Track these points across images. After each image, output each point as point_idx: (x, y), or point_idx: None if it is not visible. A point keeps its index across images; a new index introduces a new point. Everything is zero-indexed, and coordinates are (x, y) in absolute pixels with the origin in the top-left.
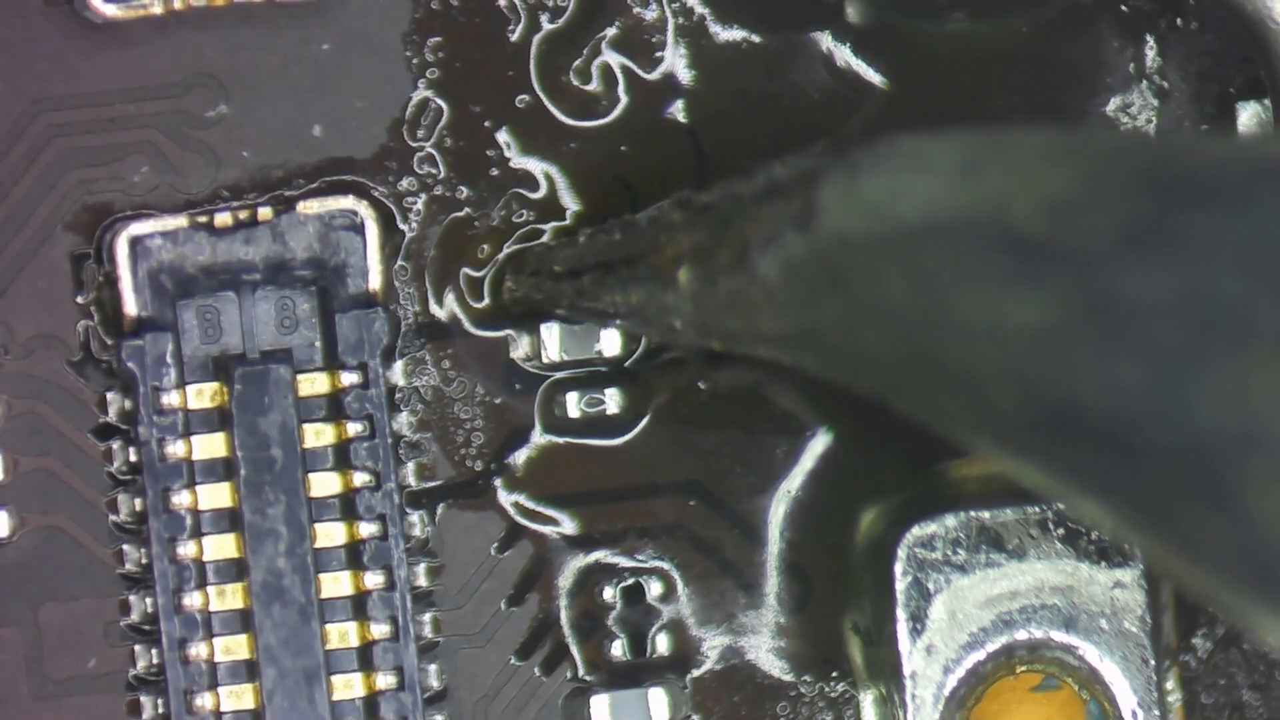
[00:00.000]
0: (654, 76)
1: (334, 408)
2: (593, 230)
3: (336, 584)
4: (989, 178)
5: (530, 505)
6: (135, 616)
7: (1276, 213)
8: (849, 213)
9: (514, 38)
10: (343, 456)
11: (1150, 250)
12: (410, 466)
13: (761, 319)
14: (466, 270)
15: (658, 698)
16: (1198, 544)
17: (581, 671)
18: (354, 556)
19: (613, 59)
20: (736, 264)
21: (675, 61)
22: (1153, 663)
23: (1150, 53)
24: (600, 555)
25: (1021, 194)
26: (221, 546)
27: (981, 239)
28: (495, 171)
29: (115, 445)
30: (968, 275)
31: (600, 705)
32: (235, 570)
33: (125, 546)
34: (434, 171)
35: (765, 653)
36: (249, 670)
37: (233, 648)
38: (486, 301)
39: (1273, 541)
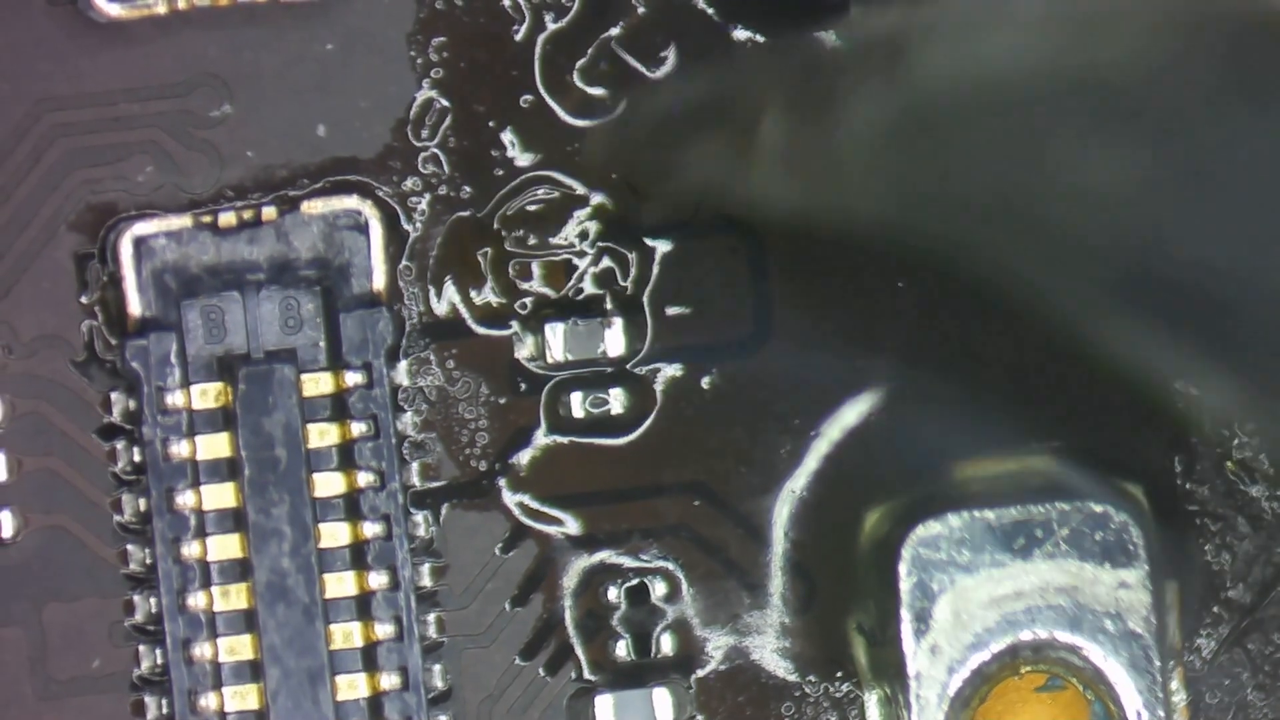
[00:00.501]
0: (658, 76)
1: (338, 408)
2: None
3: (341, 584)
4: (1081, 30)
5: (534, 505)
6: (139, 617)
7: None
8: (939, 61)
9: (518, 37)
10: (347, 456)
11: (1236, 109)
12: (414, 466)
13: (848, 165)
14: (470, 270)
15: (662, 698)
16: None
17: (586, 672)
18: (358, 557)
19: (617, 58)
20: (823, 109)
21: (679, 61)
22: (1157, 663)
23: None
24: (604, 555)
25: (1110, 51)
26: (225, 546)
27: (1076, 93)
28: (499, 171)
29: (119, 445)
30: (1062, 123)
31: (605, 705)
32: (239, 570)
33: (129, 546)
34: (438, 171)
35: (770, 653)
36: (253, 670)
37: (237, 648)
38: (495, 299)
39: None
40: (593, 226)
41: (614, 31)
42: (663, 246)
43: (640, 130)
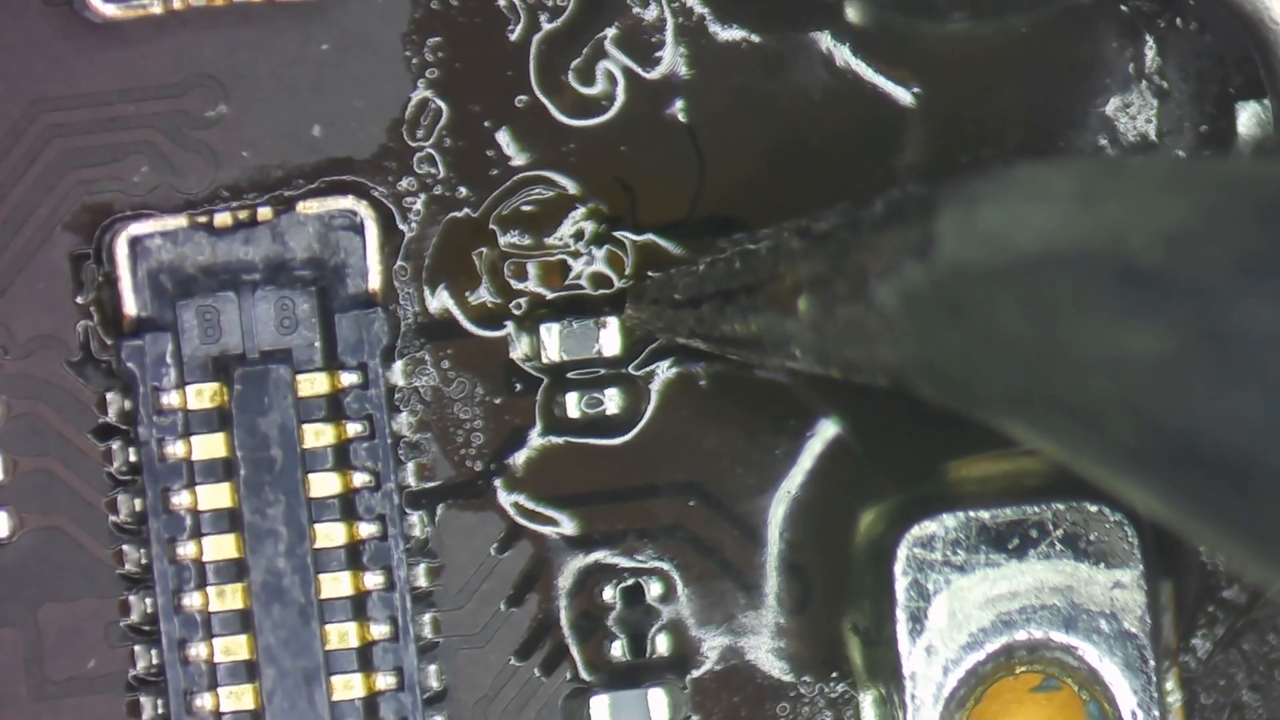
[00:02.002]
0: (653, 76)
1: (334, 408)
2: (711, 258)
3: (336, 584)
4: (1107, 207)
5: (530, 506)
6: (135, 617)
7: None
8: (967, 242)
9: (513, 37)
10: (342, 457)
11: (1267, 281)
12: (410, 467)
13: (880, 348)
14: (466, 270)
15: (657, 698)
16: None
17: (581, 672)
18: (354, 557)
19: (612, 59)
20: (855, 293)
21: (675, 61)
22: (1152, 663)
23: (1150, 53)
24: (600, 556)
25: (1139, 224)
26: (221, 547)
27: (1099, 269)
28: (495, 172)
29: (115, 445)
30: (1085, 306)
31: (600, 706)
32: (235, 571)
33: (125, 547)
34: (433, 171)
35: (765, 653)
36: (249, 671)
37: (232, 648)
38: (490, 300)
39: None
40: (588, 226)
41: (609, 32)
42: (659, 246)
43: (681, 308)
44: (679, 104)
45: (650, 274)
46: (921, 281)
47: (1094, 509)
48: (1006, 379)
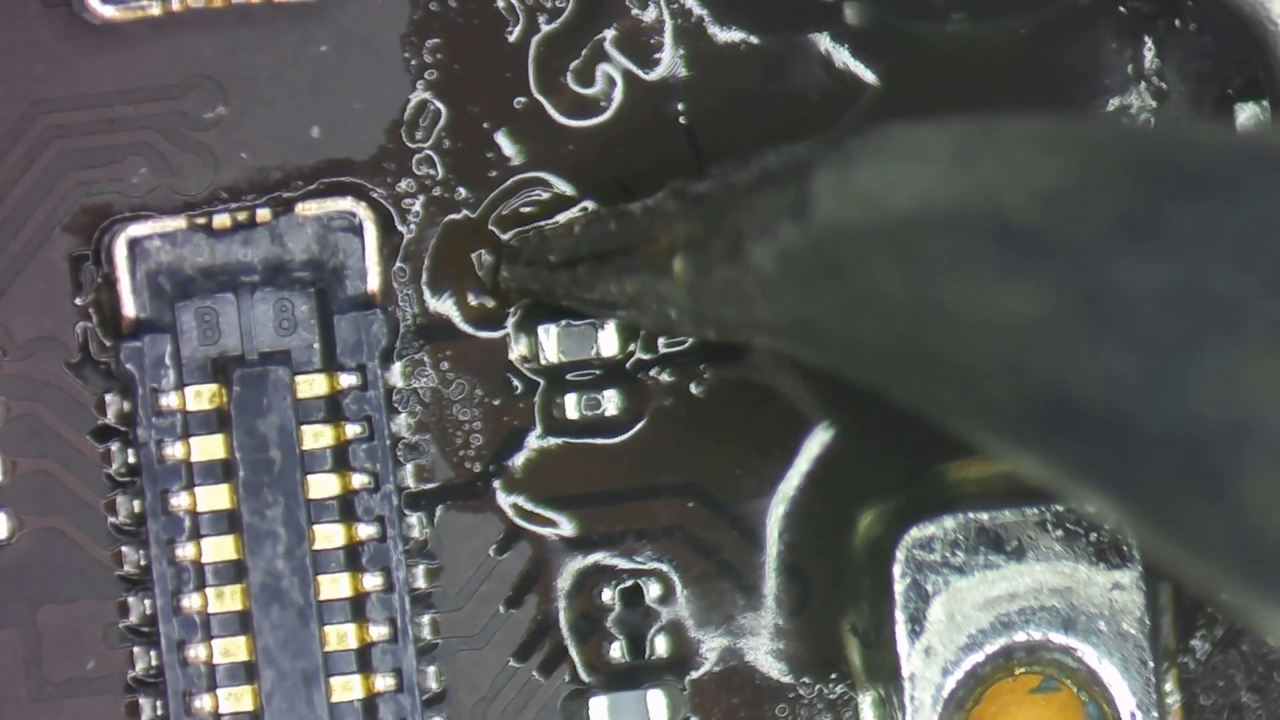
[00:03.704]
0: (652, 77)
1: (332, 409)
2: (587, 220)
3: (335, 586)
4: (981, 167)
5: (529, 507)
6: (134, 618)
7: (1268, 203)
8: (842, 202)
9: (512, 39)
10: (341, 458)
11: (1143, 241)
12: (409, 468)
13: (757, 309)
14: (465, 272)
15: (656, 699)
16: (1194, 535)
17: (580, 673)
18: (353, 558)
19: (611, 60)
20: (731, 254)
21: (673, 63)
22: (1151, 664)
23: (1148, 54)
24: (599, 557)
25: (1014, 183)
26: (220, 548)
27: (974, 229)
28: (494, 173)
29: (114, 447)
30: (961, 265)
31: (599, 707)
32: (234, 572)
33: (124, 548)
34: (432, 173)
35: (764, 654)
36: (248, 672)
37: (231, 649)
38: (489, 302)
39: (1268, 532)
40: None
41: (608, 33)
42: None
43: (555, 270)
44: (678, 105)
45: (524, 233)
46: (797, 242)
47: (1093, 510)
48: (884, 340)
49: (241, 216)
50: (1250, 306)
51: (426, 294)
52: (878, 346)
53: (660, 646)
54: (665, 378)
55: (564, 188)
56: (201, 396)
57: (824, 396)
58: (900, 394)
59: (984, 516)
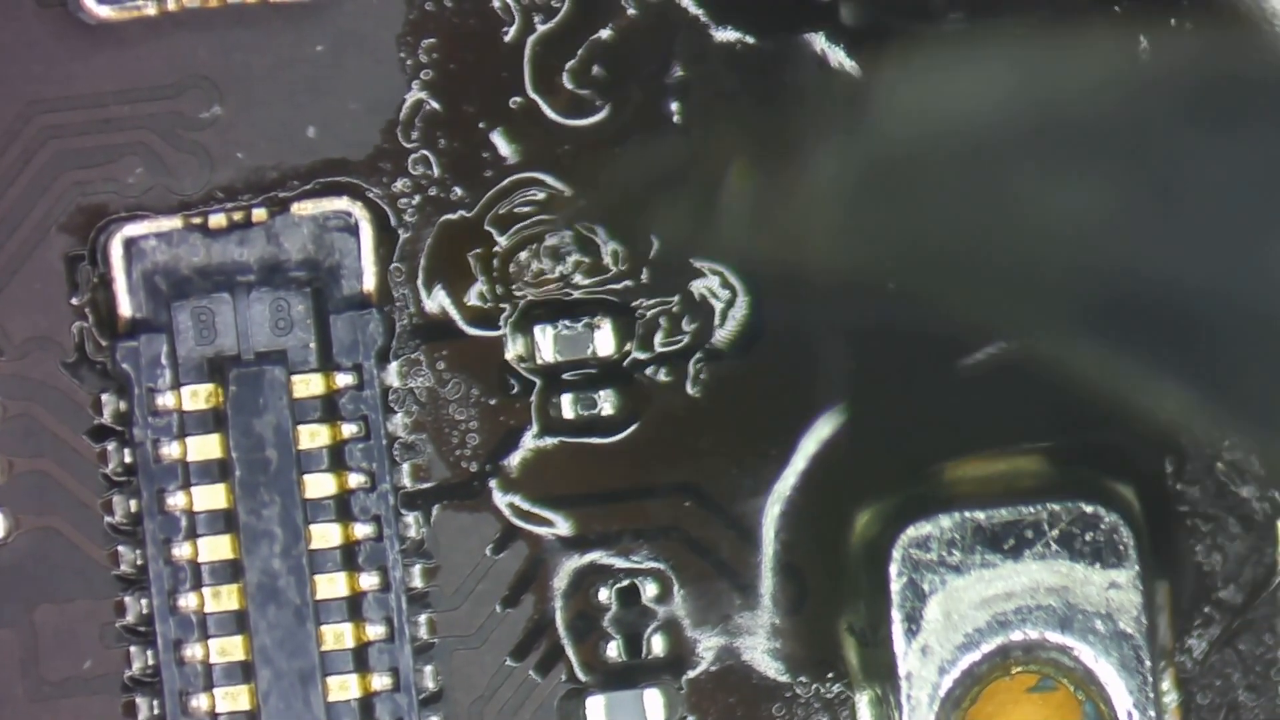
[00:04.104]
0: (649, 77)
1: (329, 409)
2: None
3: (331, 585)
4: (1042, 67)
5: (525, 506)
6: (130, 618)
7: None
8: (899, 113)
9: (507, 39)
10: (337, 458)
11: (1201, 132)
12: (405, 468)
13: (813, 216)
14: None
15: (653, 699)
16: (1269, 417)
17: (577, 673)
18: (349, 558)
19: (606, 60)
20: (788, 161)
21: (669, 62)
22: (1148, 663)
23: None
24: (595, 556)
25: (1076, 81)
26: (216, 548)
27: (1040, 126)
28: (490, 173)
29: (110, 447)
30: (1026, 162)
31: (596, 706)
32: (230, 571)
33: (120, 548)
34: (428, 172)
35: (761, 654)
36: (244, 671)
37: (228, 649)
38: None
39: None
40: (582, 227)
41: (603, 34)
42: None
43: (609, 191)
44: (673, 105)
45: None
46: (855, 146)
47: (1090, 509)
48: (942, 240)
49: (237, 216)
50: None
51: (423, 294)
52: (936, 249)
53: (657, 646)
54: (662, 377)
55: (560, 187)
56: (198, 396)
57: (819, 397)
58: (963, 303)
59: (980, 515)
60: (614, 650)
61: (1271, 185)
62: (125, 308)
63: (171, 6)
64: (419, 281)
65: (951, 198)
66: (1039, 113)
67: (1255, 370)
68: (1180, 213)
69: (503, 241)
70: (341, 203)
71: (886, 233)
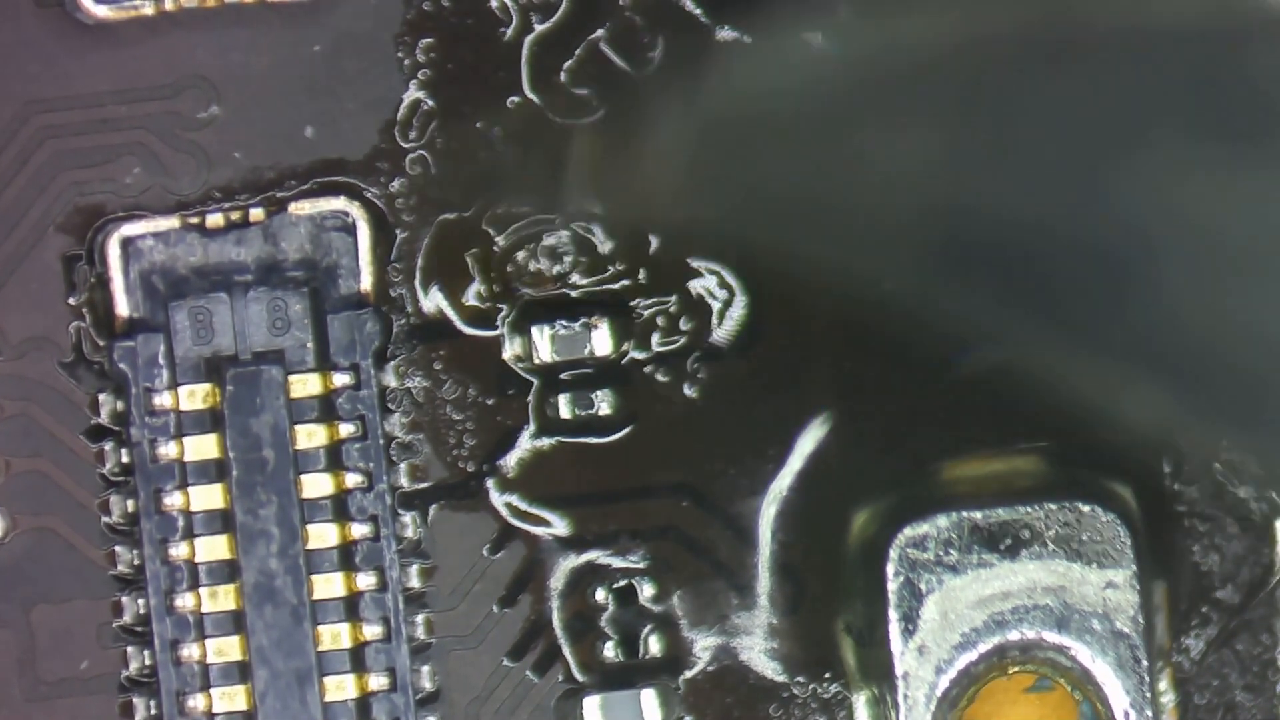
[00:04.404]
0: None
1: (326, 409)
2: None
3: (329, 585)
4: (882, 19)
5: (522, 506)
6: (127, 618)
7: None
8: (741, 69)
9: (505, 38)
10: (335, 458)
11: (1039, 70)
12: (402, 468)
13: (661, 191)
14: (458, 271)
15: (650, 699)
16: (1107, 344)
17: (574, 673)
18: (346, 558)
19: (604, 59)
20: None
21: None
22: (1145, 663)
23: None
24: (592, 556)
25: (911, 29)
26: (213, 548)
27: (876, 76)
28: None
29: (107, 447)
30: (864, 111)
31: (593, 707)
32: (227, 572)
33: (117, 548)
34: (425, 172)
35: (758, 654)
36: (241, 672)
37: (225, 649)
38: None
39: (1181, 331)
40: (579, 228)
41: (601, 33)
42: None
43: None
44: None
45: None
46: (694, 110)
47: (1087, 509)
48: (787, 188)
49: (235, 216)
50: (1151, 117)
51: (420, 293)
52: (782, 198)
53: (654, 646)
54: (659, 377)
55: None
56: (195, 396)
57: (815, 397)
58: (814, 254)
59: (977, 515)
60: (611, 650)
61: (1101, 120)
62: (122, 308)
63: (169, 6)
64: (416, 281)
65: (794, 151)
66: (877, 61)
67: (1091, 299)
68: (1017, 150)
69: (500, 241)
70: (339, 202)
71: (729, 191)
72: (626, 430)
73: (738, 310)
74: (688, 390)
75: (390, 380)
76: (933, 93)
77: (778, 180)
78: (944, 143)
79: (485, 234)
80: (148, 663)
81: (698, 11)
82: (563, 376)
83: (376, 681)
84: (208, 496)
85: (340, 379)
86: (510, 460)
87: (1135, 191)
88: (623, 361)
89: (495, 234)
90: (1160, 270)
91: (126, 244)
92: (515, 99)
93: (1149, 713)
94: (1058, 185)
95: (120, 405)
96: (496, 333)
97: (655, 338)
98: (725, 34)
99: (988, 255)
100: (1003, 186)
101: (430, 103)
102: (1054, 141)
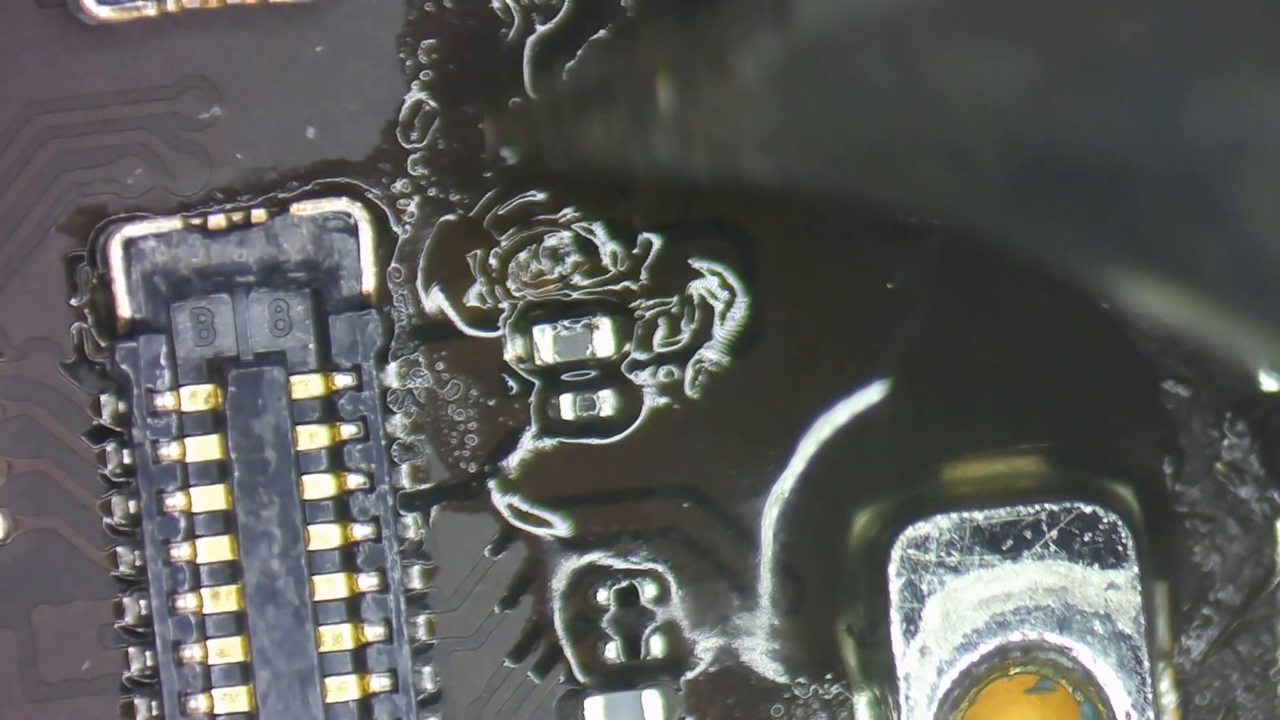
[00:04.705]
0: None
1: (328, 410)
2: (569, 66)
3: (330, 586)
4: None
5: (524, 507)
6: (129, 619)
7: None
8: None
9: (507, 39)
10: (336, 459)
11: None
12: (404, 469)
13: (745, 121)
14: (460, 272)
15: (652, 700)
16: (1193, 268)
17: (576, 674)
18: (348, 559)
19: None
20: (713, 67)
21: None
22: (1147, 664)
23: None
24: (594, 557)
25: None
26: (215, 549)
27: (958, 5)
28: (489, 173)
29: (109, 447)
30: (947, 44)
31: (594, 707)
32: (229, 572)
33: (119, 549)
34: (427, 173)
35: (759, 655)
36: (243, 673)
37: (227, 650)
38: (484, 301)
39: (1267, 245)
40: (581, 228)
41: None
42: (651, 247)
43: (541, 113)
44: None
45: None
46: (779, 46)
47: (1088, 510)
48: (873, 133)
49: (237, 217)
50: (1234, 37)
51: (422, 294)
52: (867, 141)
53: (656, 647)
54: (661, 378)
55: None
56: (197, 397)
57: (817, 398)
58: (891, 188)
59: (979, 516)
60: (613, 651)
61: (1183, 46)
62: (124, 308)
63: (171, 7)
64: (418, 282)
65: (876, 87)
66: None
67: (1178, 225)
68: (1100, 78)
69: (502, 242)
70: (341, 203)
71: (817, 130)
72: (628, 431)
73: (739, 311)
74: (689, 391)
75: (392, 381)
76: (1018, 20)
77: (863, 119)
78: (1027, 72)
79: (487, 235)
80: (149, 663)
81: None
82: (564, 377)
83: (378, 682)
84: (209, 497)
85: (342, 380)
86: (512, 461)
87: (1219, 115)
88: (624, 362)
89: (497, 235)
90: (1247, 192)
91: (128, 245)
92: (517, 100)
93: (1150, 713)
94: (1142, 111)
95: (122, 406)
96: (498, 334)
97: (657, 339)
98: None
99: (1073, 186)
100: (1088, 114)
101: (432, 104)
102: (1140, 66)
